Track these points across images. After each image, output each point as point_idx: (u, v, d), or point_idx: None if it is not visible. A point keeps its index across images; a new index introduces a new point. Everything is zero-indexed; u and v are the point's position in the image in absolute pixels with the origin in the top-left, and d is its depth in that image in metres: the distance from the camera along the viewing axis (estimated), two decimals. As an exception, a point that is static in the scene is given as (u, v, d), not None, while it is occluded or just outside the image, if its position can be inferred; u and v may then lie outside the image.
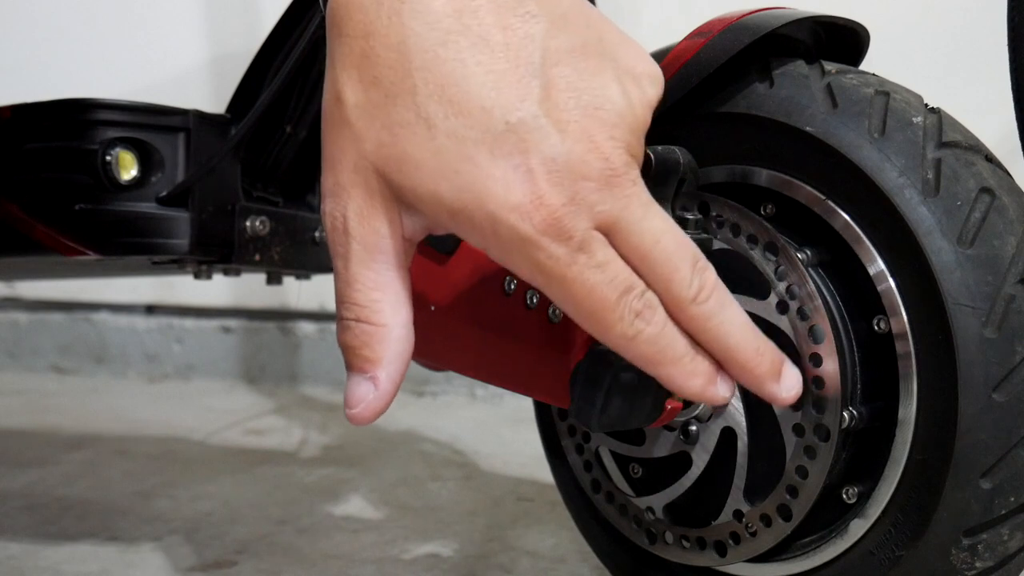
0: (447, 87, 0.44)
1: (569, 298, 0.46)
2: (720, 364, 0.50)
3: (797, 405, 0.58)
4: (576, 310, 0.46)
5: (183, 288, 1.87)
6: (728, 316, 0.49)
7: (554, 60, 0.45)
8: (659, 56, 0.64)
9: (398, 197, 0.46)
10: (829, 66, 0.60)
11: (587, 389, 0.55)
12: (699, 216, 0.61)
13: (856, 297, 0.59)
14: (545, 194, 0.44)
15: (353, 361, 0.48)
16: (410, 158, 0.44)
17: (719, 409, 0.61)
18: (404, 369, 0.49)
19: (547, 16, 0.45)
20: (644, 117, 0.48)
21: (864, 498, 0.59)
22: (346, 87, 0.46)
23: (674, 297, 0.48)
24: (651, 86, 0.48)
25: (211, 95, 1.77)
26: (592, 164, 0.44)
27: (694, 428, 0.62)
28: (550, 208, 0.44)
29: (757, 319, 0.59)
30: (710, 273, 0.49)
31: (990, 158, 0.58)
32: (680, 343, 0.48)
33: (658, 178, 0.60)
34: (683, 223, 0.59)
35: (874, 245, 0.57)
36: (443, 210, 0.45)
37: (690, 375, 0.49)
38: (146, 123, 0.80)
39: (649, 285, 0.47)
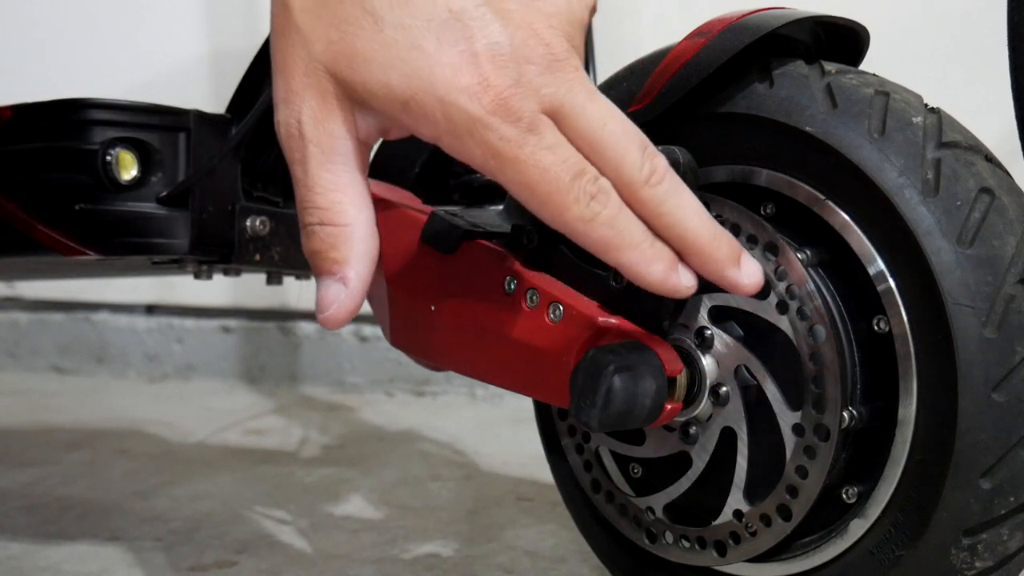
0: None
1: (524, 181, 0.46)
2: (679, 254, 0.50)
3: (796, 405, 0.58)
4: (531, 194, 0.47)
5: (183, 288, 1.87)
6: (683, 201, 0.49)
7: None
8: (659, 56, 0.64)
9: (351, 96, 0.47)
10: (829, 66, 0.60)
11: (587, 389, 0.55)
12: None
13: (856, 297, 0.59)
14: (491, 76, 0.45)
15: (321, 264, 0.49)
16: (359, 53, 0.45)
17: (719, 409, 0.61)
18: (372, 267, 0.49)
19: None
20: (581, 14, 0.49)
21: (864, 498, 0.59)
22: None
23: (626, 181, 0.48)
24: None
25: (211, 95, 1.77)
26: (534, 49, 0.46)
27: (694, 428, 0.62)
28: (497, 89, 0.45)
29: (757, 319, 0.59)
30: (660, 159, 0.49)
31: (990, 158, 0.58)
32: (638, 227, 0.48)
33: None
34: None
35: (874, 245, 0.57)
36: (395, 101, 0.46)
37: (651, 260, 0.49)
38: (146, 123, 0.80)
39: (601, 171, 0.48)
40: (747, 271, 0.51)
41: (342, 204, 0.48)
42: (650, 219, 0.49)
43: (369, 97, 0.46)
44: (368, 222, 0.49)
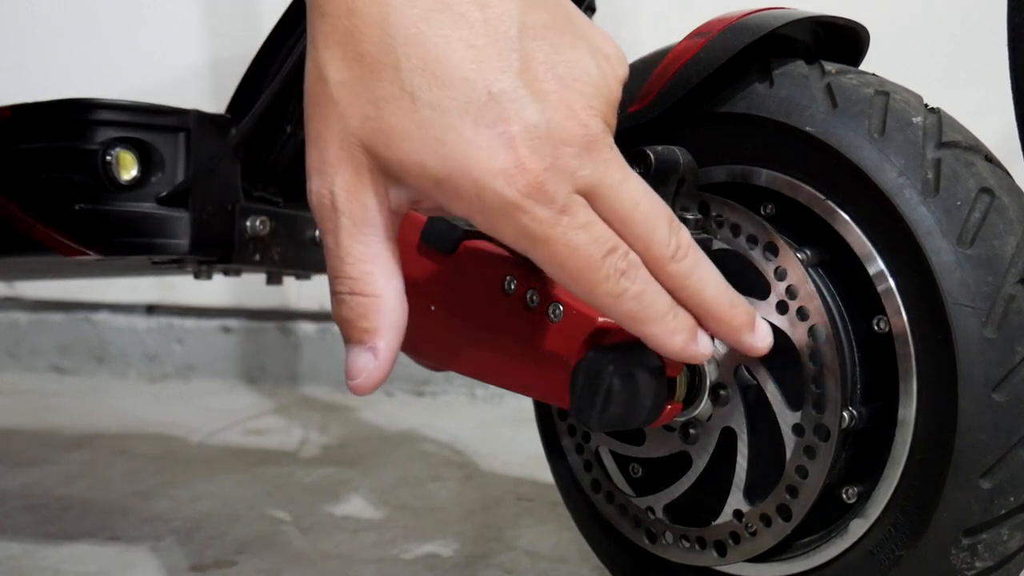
0: (430, 61, 0.45)
1: (555, 259, 0.47)
2: (699, 320, 0.52)
3: (796, 405, 0.58)
4: (562, 271, 0.48)
5: (183, 288, 1.87)
6: (704, 272, 0.51)
7: (531, 35, 0.47)
8: (659, 56, 0.64)
9: (384, 170, 0.47)
10: (829, 66, 0.60)
11: (587, 389, 0.55)
12: (699, 216, 0.61)
13: (856, 297, 0.59)
14: (527, 159, 0.45)
15: (351, 333, 0.49)
16: (395, 131, 0.46)
17: (719, 409, 0.61)
18: (401, 337, 0.50)
19: None
20: (617, 91, 0.50)
21: (864, 498, 0.59)
22: (329, 65, 0.47)
23: (654, 256, 0.49)
24: (620, 65, 0.50)
25: (211, 95, 1.77)
26: (572, 130, 0.46)
27: (694, 428, 0.62)
28: (533, 172, 0.45)
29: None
30: (685, 233, 0.51)
31: (990, 158, 0.58)
32: (663, 300, 0.50)
33: (658, 178, 0.60)
34: (683, 223, 0.59)
35: (874, 245, 0.57)
36: (429, 180, 0.46)
37: (673, 332, 0.50)
38: (146, 123, 0.80)
39: (630, 246, 0.49)
40: (760, 335, 0.54)
41: (372, 275, 0.48)
42: (674, 290, 0.50)
43: (403, 174, 0.47)
44: (398, 293, 0.50)
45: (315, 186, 0.48)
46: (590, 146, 0.47)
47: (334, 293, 0.49)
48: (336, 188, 0.48)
